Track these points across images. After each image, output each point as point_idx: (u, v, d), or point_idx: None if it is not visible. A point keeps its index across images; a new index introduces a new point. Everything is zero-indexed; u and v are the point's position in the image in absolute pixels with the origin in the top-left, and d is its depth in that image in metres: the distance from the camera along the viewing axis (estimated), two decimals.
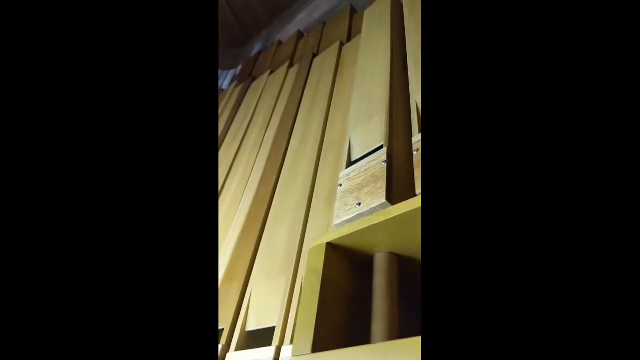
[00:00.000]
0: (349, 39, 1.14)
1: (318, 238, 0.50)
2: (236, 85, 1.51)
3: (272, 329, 0.61)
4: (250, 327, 0.63)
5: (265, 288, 0.66)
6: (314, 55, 1.18)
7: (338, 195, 0.56)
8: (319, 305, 0.43)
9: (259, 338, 0.63)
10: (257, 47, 2.10)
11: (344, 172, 0.59)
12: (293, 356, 0.40)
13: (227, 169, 1.06)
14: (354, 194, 0.52)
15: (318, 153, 0.82)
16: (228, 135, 1.23)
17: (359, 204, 0.50)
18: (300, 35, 1.56)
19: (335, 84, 0.96)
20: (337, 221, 0.52)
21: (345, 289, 0.48)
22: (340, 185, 0.57)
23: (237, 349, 0.61)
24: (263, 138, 1.03)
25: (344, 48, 1.07)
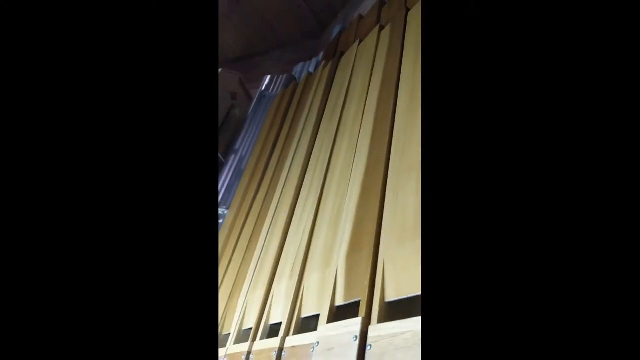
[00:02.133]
0: None
1: None
2: (324, 66, 1.46)
3: (417, 298, 0.54)
4: (390, 297, 0.57)
5: (400, 254, 0.59)
6: (407, 10, 1.07)
7: None
8: None
9: (402, 308, 0.56)
10: (336, 30, 2.04)
11: None
12: None
13: (331, 145, 1.01)
14: None
15: None
16: (325, 113, 1.19)
17: None
18: (382, 3, 1.45)
19: None
20: None
21: None
22: None
23: (379, 322, 0.55)
24: (365, 104, 0.96)
25: None
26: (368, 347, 0.52)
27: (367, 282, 0.60)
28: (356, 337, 0.55)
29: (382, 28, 1.17)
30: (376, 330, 0.54)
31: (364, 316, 0.56)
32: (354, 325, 0.56)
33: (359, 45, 1.26)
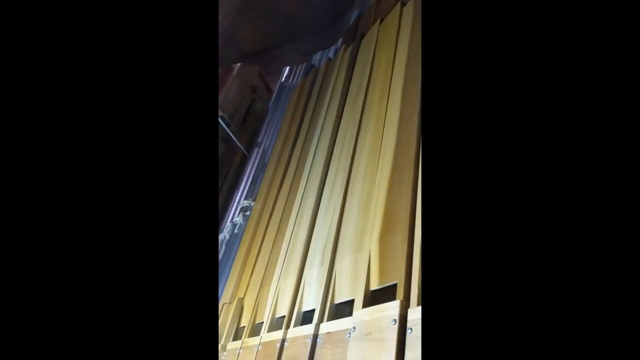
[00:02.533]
0: None
1: None
2: (345, 49, 1.43)
3: None
4: None
5: None
6: None
7: None
8: None
9: None
10: (354, 15, 1.99)
11: None
12: None
13: (357, 127, 0.98)
14: None
15: None
16: (349, 96, 1.16)
17: None
18: None
19: None
20: None
21: None
22: None
23: (419, 304, 0.52)
24: (390, 83, 0.92)
25: None
26: (408, 331, 0.50)
27: (403, 265, 0.58)
28: (395, 320, 0.52)
29: (403, 5, 1.13)
30: (416, 312, 0.51)
31: (401, 299, 0.54)
32: (391, 308, 0.54)
33: (380, 24, 1.21)
